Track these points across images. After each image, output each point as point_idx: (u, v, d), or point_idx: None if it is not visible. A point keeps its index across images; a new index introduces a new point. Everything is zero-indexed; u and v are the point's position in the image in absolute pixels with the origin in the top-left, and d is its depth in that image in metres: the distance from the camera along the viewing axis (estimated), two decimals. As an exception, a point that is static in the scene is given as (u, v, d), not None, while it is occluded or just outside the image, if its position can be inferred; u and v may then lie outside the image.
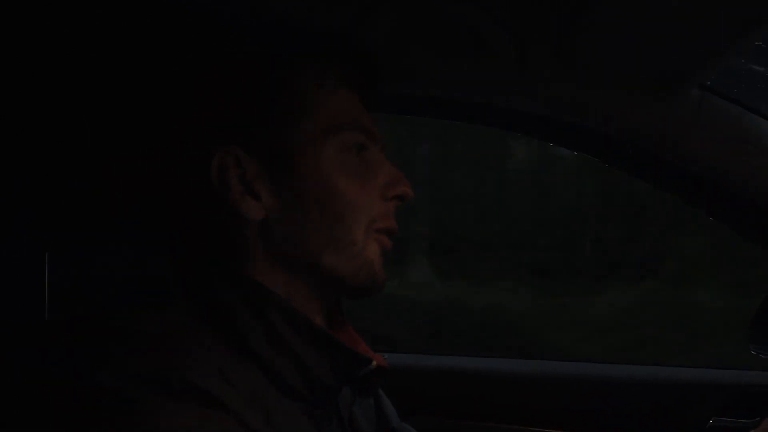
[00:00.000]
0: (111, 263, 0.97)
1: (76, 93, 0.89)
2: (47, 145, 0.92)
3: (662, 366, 1.37)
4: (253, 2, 0.74)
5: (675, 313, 3.90)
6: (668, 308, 3.95)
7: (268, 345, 0.65)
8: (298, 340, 0.66)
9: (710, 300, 3.93)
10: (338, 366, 0.68)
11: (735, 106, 0.97)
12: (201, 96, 0.70)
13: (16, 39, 0.84)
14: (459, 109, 1.04)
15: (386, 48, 0.85)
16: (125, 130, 0.84)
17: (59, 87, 0.89)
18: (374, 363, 0.70)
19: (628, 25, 0.77)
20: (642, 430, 1.26)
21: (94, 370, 0.58)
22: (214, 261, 0.69)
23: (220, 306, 0.65)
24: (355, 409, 0.80)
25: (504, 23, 0.78)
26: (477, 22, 0.77)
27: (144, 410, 0.56)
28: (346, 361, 0.69)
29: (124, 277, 0.97)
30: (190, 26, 0.77)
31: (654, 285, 4.15)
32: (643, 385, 1.30)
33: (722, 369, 1.34)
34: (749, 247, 1.09)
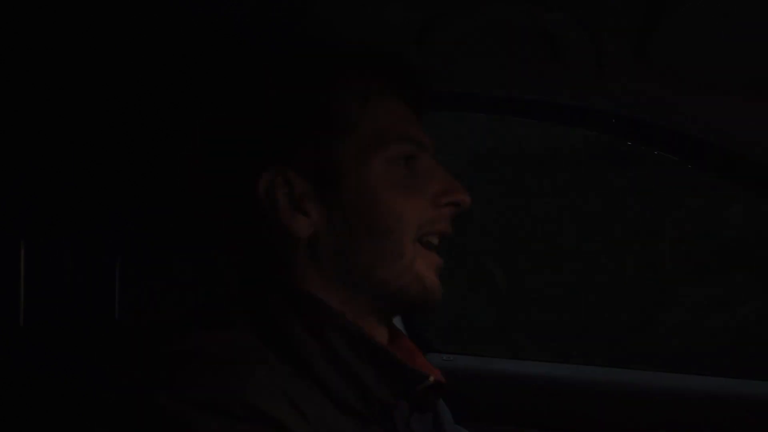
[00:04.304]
0: (180, 272, 1.00)
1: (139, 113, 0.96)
2: (116, 158, 0.98)
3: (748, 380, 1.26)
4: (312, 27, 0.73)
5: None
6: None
7: (326, 363, 0.65)
8: (355, 358, 0.66)
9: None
10: (395, 383, 0.68)
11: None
12: (247, 117, 0.70)
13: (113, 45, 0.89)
14: (525, 106, 0.98)
15: (455, 51, 0.82)
16: (181, 150, 0.86)
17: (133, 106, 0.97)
18: (431, 378, 0.69)
19: (720, 22, 0.69)
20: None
21: (153, 392, 0.59)
22: (270, 278, 0.69)
23: (278, 324, 0.66)
24: (412, 421, 0.78)
25: (582, 22, 0.72)
26: (552, 21, 0.72)
27: None
28: (403, 377, 0.68)
29: (192, 285, 1.01)
30: (235, 48, 0.78)
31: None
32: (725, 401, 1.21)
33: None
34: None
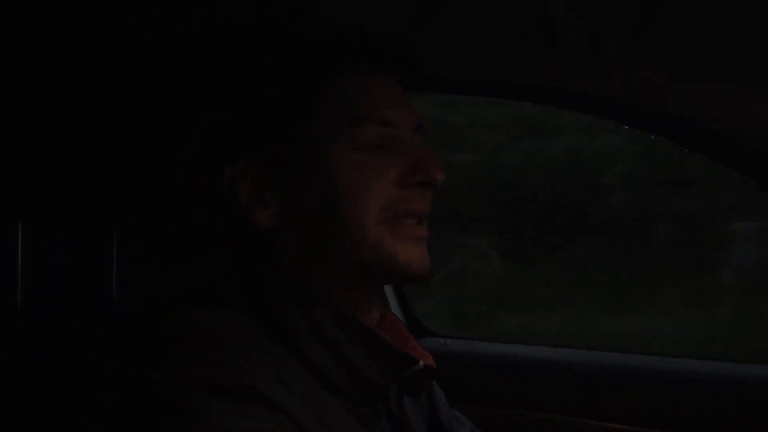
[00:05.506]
0: (176, 249, 1.01)
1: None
2: (110, 140, 1.00)
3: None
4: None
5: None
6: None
7: (317, 344, 0.66)
8: (345, 340, 0.66)
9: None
10: (386, 366, 0.68)
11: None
12: (213, 110, 0.72)
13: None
14: (524, 91, 0.97)
15: (448, 37, 0.81)
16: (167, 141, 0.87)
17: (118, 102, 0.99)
18: (421, 363, 0.69)
19: (720, 11, 0.68)
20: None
21: (152, 373, 0.60)
22: (263, 260, 0.69)
23: (270, 305, 0.66)
24: (404, 402, 0.79)
25: (578, 11, 0.71)
26: (548, 10, 0.71)
27: (200, 413, 0.57)
28: (392, 360, 0.68)
29: (188, 258, 1.01)
30: (203, 39, 0.78)
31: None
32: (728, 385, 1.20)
33: None
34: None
